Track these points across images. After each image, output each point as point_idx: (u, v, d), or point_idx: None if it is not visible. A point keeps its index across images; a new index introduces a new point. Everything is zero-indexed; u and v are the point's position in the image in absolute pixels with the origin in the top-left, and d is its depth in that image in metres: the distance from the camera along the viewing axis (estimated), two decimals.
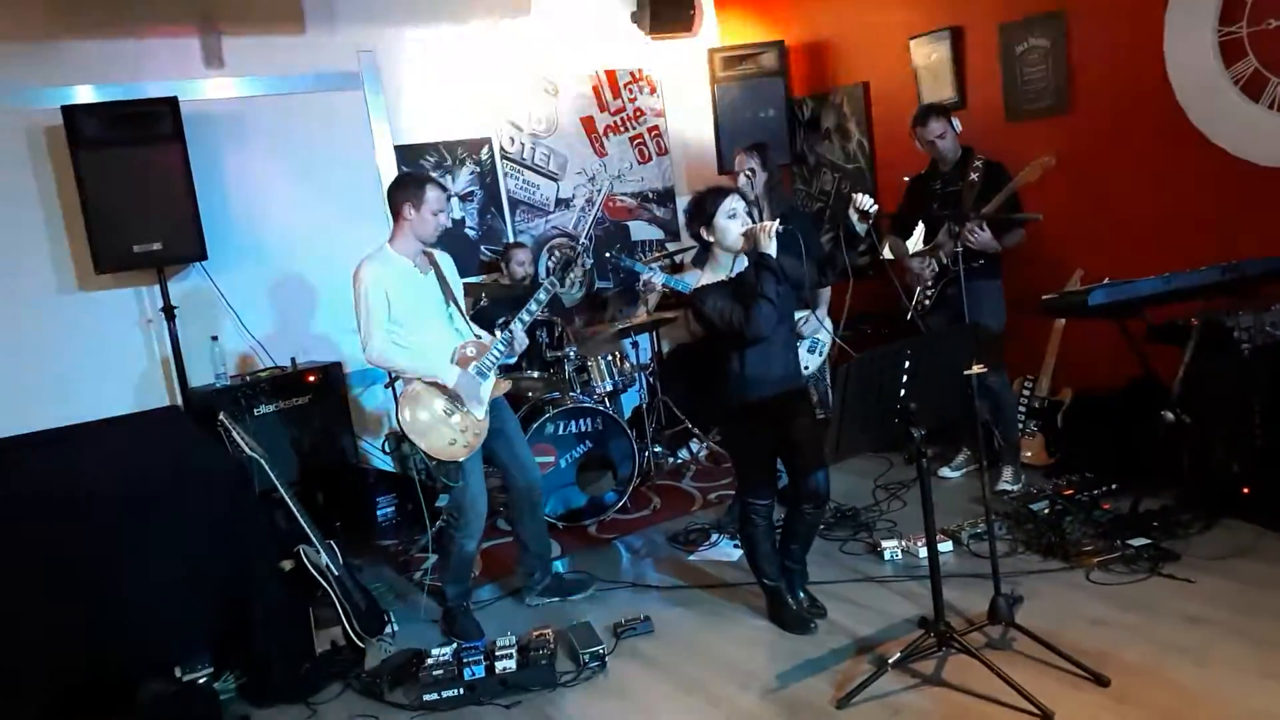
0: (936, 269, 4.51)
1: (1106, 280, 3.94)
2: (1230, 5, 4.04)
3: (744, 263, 3.40)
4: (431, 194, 3.60)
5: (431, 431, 3.62)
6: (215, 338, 4.84)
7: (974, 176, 4.07)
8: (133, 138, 4.57)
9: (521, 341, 3.77)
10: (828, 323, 4.66)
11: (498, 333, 3.84)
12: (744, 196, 3.56)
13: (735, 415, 3.45)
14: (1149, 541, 3.66)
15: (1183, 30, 4.20)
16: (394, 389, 4.58)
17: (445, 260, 3.82)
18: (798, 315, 4.07)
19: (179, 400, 4.92)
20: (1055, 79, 4.77)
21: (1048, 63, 4.80)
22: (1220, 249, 3.96)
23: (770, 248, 3.23)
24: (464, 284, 4.06)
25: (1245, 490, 3.82)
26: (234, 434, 3.67)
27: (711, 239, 3.39)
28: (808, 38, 6.22)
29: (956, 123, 4.44)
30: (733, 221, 3.33)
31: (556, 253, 6.29)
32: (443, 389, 3.63)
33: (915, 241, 4.19)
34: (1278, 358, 3.90)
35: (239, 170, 5.20)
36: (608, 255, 4.54)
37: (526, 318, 3.77)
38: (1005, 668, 2.87)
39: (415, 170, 3.73)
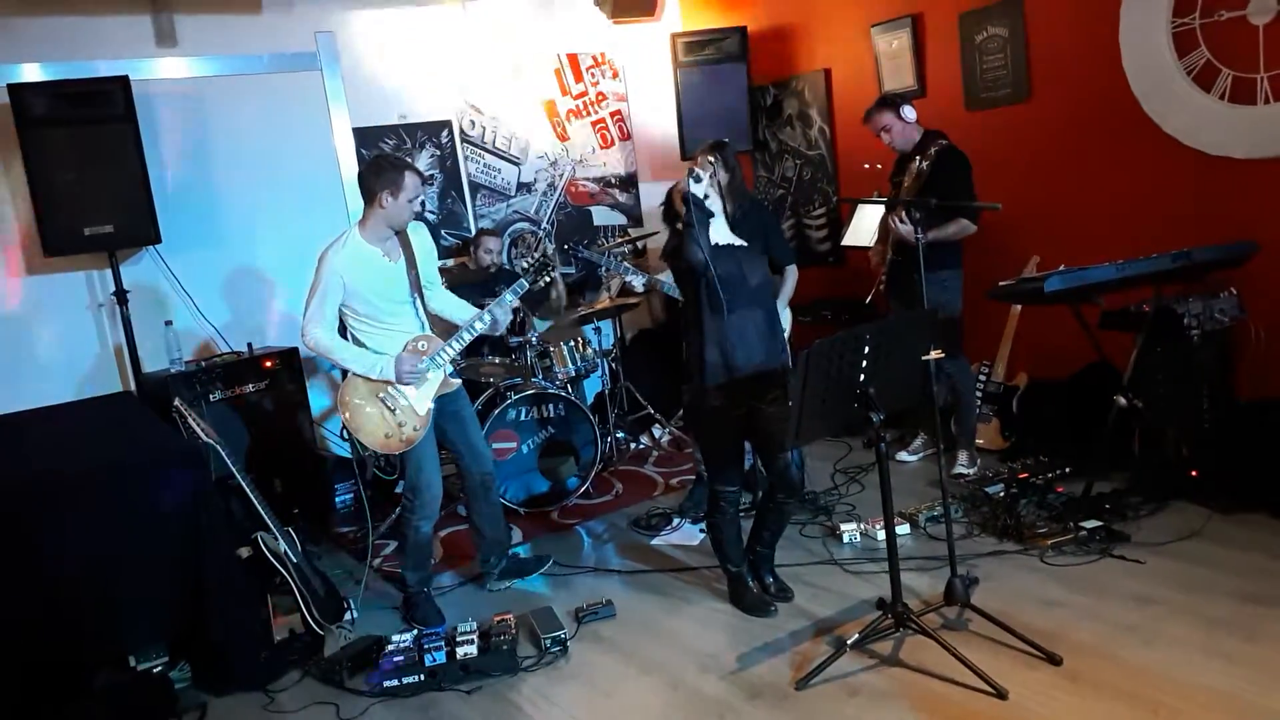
0: (887, 255, 4.53)
1: (1062, 267, 3.99)
2: None
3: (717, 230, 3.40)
4: (410, 180, 3.50)
5: (369, 423, 3.59)
6: (169, 322, 4.75)
7: (923, 164, 4.07)
8: (83, 117, 4.44)
9: (506, 317, 3.77)
10: (787, 312, 4.67)
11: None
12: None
13: (701, 401, 3.44)
14: (1101, 524, 3.73)
15: (1137, 21, 4.26)
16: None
17: (420, 233, 3.73)
18: None
19: (132, 387, 4.83)
20: (1014, 67, 4.82)
21: (1006, 51, 4.84)
22: (1172, 237, 4.03)
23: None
24: None
25: (1194, 473, 3.90)
26: (190, 420, 3.61)
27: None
28: (770, 23, 6.22)
29: (908, 112, 4.41)
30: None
31: (520, 243, 6.24)
32: (385, 381, 3.59)
33: (869, 227, 4.15)
34: (1225, 344, 4.00)
35: (193, 152, 5.09)
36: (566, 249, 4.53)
37: (505, 303, 3.76)
38: (961, 648, 2.92)
39: (390, 155, 3.65)
